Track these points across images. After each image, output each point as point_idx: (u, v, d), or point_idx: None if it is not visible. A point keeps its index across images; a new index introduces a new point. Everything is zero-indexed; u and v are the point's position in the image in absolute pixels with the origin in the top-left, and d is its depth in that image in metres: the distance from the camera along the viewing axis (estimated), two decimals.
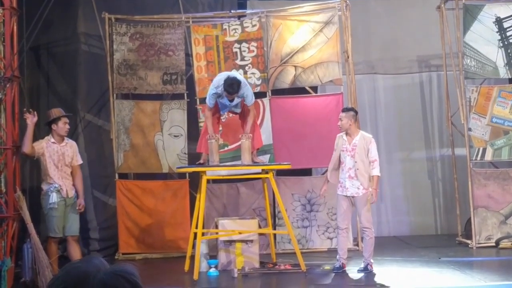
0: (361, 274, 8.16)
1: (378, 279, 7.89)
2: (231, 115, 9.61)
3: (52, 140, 8.05)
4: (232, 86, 8.26)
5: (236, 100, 8.57)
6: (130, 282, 1.25)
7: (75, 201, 8.16)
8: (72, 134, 9.92)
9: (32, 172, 10.46)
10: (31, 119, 7.92)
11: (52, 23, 10.18)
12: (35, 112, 8.11)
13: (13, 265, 7.70)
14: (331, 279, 8.01)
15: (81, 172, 8.49)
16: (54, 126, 8.05)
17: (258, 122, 10.23)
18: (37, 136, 10.27)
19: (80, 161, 8.46)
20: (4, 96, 7.71)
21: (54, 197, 7.87)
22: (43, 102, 10.67)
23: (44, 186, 8.05)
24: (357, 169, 8.14)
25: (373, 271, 8.17)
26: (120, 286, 1.23)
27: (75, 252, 8.05)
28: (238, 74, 9.06)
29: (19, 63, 8.17)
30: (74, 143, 8.45)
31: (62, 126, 8.03)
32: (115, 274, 1.25)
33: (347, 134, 8.31)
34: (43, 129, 10.52)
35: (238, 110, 8.86)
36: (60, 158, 8.03)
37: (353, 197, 8.20)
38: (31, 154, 8.06)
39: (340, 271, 8.22)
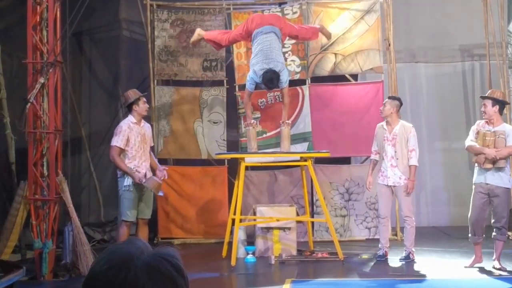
0: (402, 263, 8.14)
1: (417, 268, 7.85)
2: (270, 101, 9.56)
3: (134, 121, 7.86)
4: (272, 81, 8.29)
5: None
6: (173, 265, 1.27)
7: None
8: (113, 120, 10.00)
9: (73, 156, 10.62)
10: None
11: (95, 9, 10.29)
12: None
13: (54, 248, 7.83)
14: (370, 268, 7.99)
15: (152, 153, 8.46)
16: (135, 107, 7.87)
17: (297, 109, 10.20)
18: (78, 120, 10.44)
19: (153, 143, 8.46)
20: (47, 81, 7.81)
21: (129, 180, 7.70)
22: (85, 87, 10.82)
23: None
24: (397, 158, 8.12)
25: (415, 260, 8.16)
26: (163, 268, 1.25)
27: (143, 235, 7.97)
28: (275, 51, 8.68)
29: (61, 48, 8.25)
30: (149, 125, 8.33)
31: (143, 105, 7.93)
32: (159, 256, 1.27)
33: (387, 123, 8.27)
34: (85, 113, 10.68)
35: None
36: (142, 138, 7.91)
37: (394, 186, 8.17)
38: None
39: (383, 259, 8.22)
